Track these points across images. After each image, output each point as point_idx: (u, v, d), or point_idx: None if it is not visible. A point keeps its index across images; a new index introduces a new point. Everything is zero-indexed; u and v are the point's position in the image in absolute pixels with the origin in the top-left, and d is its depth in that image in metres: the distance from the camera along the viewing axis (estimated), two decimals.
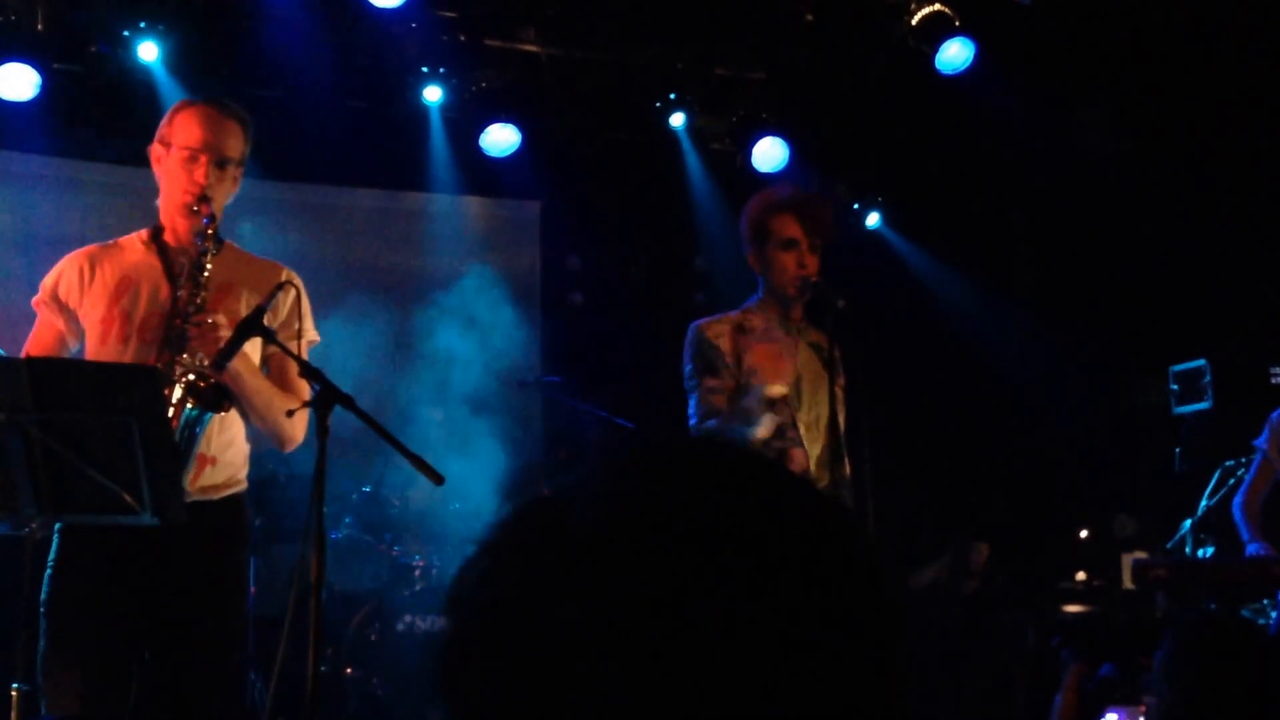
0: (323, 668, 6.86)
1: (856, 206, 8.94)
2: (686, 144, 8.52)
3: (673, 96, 8.11)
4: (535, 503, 1.04)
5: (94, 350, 3.89)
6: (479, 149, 8.22)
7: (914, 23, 7.72)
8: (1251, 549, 5.73)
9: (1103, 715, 5.39)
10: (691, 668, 0.92)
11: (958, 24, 7.62)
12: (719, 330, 4.69)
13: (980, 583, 8.17)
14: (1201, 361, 7.11)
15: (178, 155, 3.96)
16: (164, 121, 4.06)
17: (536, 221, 9.37)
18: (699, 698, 0.92)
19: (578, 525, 0.99)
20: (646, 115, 8.36)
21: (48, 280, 4.02)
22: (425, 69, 7.70)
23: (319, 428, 3.60)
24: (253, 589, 7.03)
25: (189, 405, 3.66)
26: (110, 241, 4.11)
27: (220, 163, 3.97)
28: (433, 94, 7.80)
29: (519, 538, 1.03)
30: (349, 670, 7.00)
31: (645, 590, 0.94)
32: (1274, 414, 5.83)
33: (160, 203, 4.07)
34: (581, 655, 0.93)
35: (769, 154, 8.32)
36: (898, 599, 1.03)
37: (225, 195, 4.02)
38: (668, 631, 0.93)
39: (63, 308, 3.97)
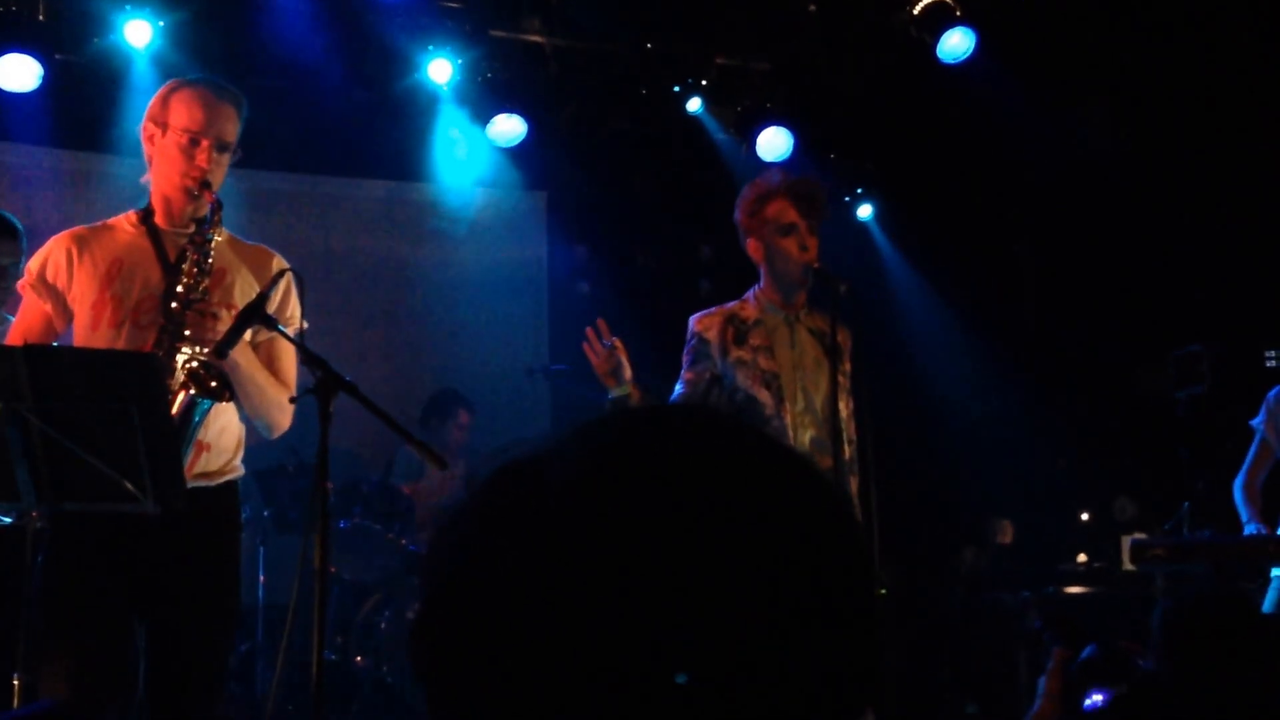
0: (333, 656, 6.97)
1: (848, 200, 8.97)
2: (691, 133, 8.55)
3: (676, 90, 8.14)
4: (507, 468, 1.04)
5: (84, 335, 3.84)
6: (485, 140, 8.26)
7: (915, 12, 7.76)
8: (1250, 529, 5.78)
9: (1088, 696, 5.43)
10: (667, 627, 0.93)
11: (959, 14, 7.66)
12: (709, 323, 4.74)
13: (992, 561, 8.23)
14: (1198, 346, 7.13)
15: (176, 138, 3.90)
16: (157, 100, 3.98)
17: (543, 211, 9.41)
18: (675, 657, 0.92)
19: (551, 488, 0.99)
20: (652, 105, 8.40)
21: (33, 263, 3.95)
22: (445, 55, 7.70)
23: (321, 415, 3.58)
24: (262, 578, 7.19)
25: (190, 392, 3.64)
26: (98, 223, 4.03)
27: (220, 147, 3.93)
28: (441, 71, 7.80)
29: (493, 503, 1.03)
30: (359, 659, 7.06)
31: (619, 551, 0.94)
32: (1270, 395, 5.87)
33: (152, 183, 4.00)
34: (557, 615, 0.94)
35: (773, 144, 8.36)
36: (870, 553, 1.04)
37: (221, 179, 3.96)
38: (642, 592, 0.93)
39: (51, 290, 3.89)
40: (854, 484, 4.67)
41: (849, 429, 4.72)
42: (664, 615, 0.93)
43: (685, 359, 4.73)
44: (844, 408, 4.71)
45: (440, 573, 1.02)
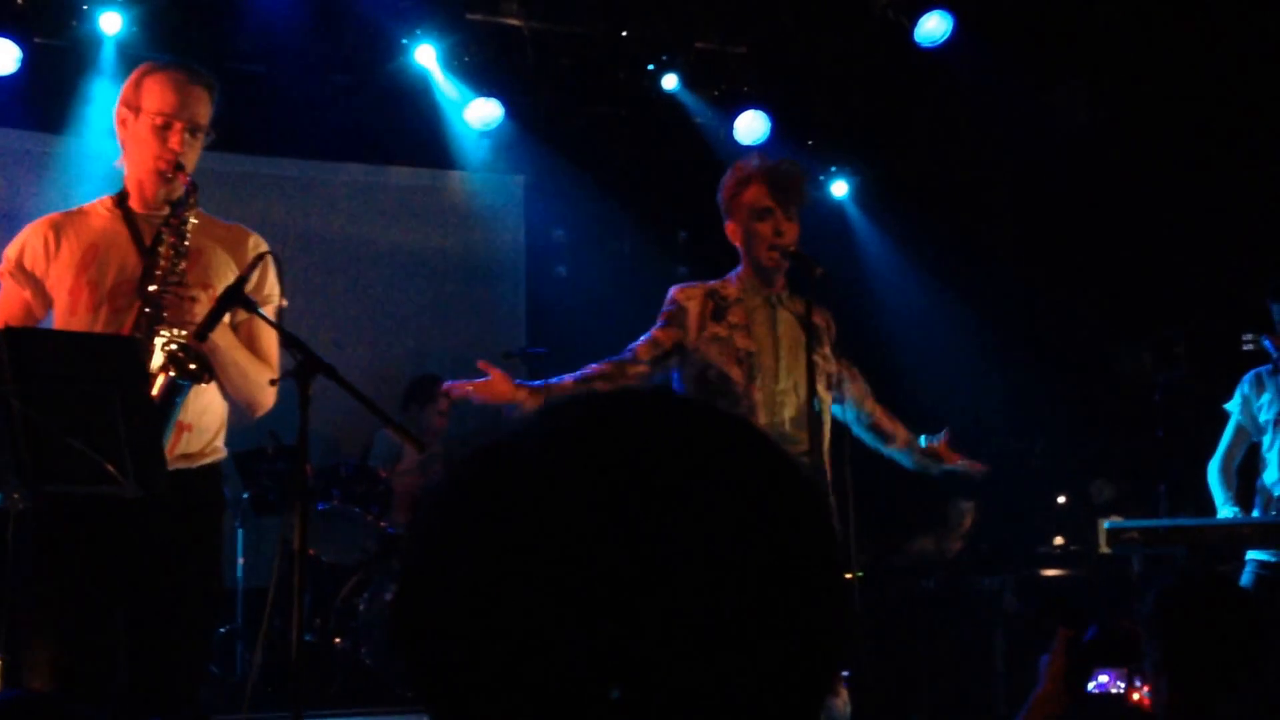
0: (312, 638, 6.98)
1: (822, 178, 9.00)
2: (669, 117, 8.55)
3: (651, 68, 8.14)
4: (481, 451, 1.05)
5: (63, 321, 3.84)
6: (462, 123, 8.26)
7: None
8: (1225, 512, 5.82)
9: (1094, 676, 5.49)
10: (636, 605, 0.94)
11: None
12: (690, 294, 4.73)
13: (964, 544, 8.25)
14: (1176, 329, 7.18)
15: (149, 122, 3.89)
16: (129, 84, 3.97)
17: (520, 195, 9.40)
18: (645, 635, 0.94)
19: (521, 471, 1.01)
20: (630, 89, 8.40)
21: (10, 250, 3.94)
22: (423, 39, 7.70)
23: (300, 398, 3.58)
24: (241, 560, 7.19)
25: (170, 374, 3.64)
26: (73, 209, 4.03)
27: (193, 130, 3.92)
28: (426, 54, 7.80)
29: (467, 486, 1.04)
30: (337, 640, 7.06)
31: (587, 530, 0.96)
32: (1245, 378, 5.91)
33: (126, 168, 3.99)
34: (529, 593, 0.95)
35: (751, 127, 8.39)
36: (835, 531, 1.06)
37: (195, 161, 3.95)
38: (610, 569, 0.94)
39: (29, 277, 3.90)
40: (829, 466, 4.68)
41: (827, 410, 4.73)
42: (633, 593, 0.94)
43: (658, 321, 4.71)
44: (823, 390, 4.71)
45: (418, 553, 1.04)
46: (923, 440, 4.90)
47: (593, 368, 4.58)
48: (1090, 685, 5.55)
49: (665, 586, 0.95)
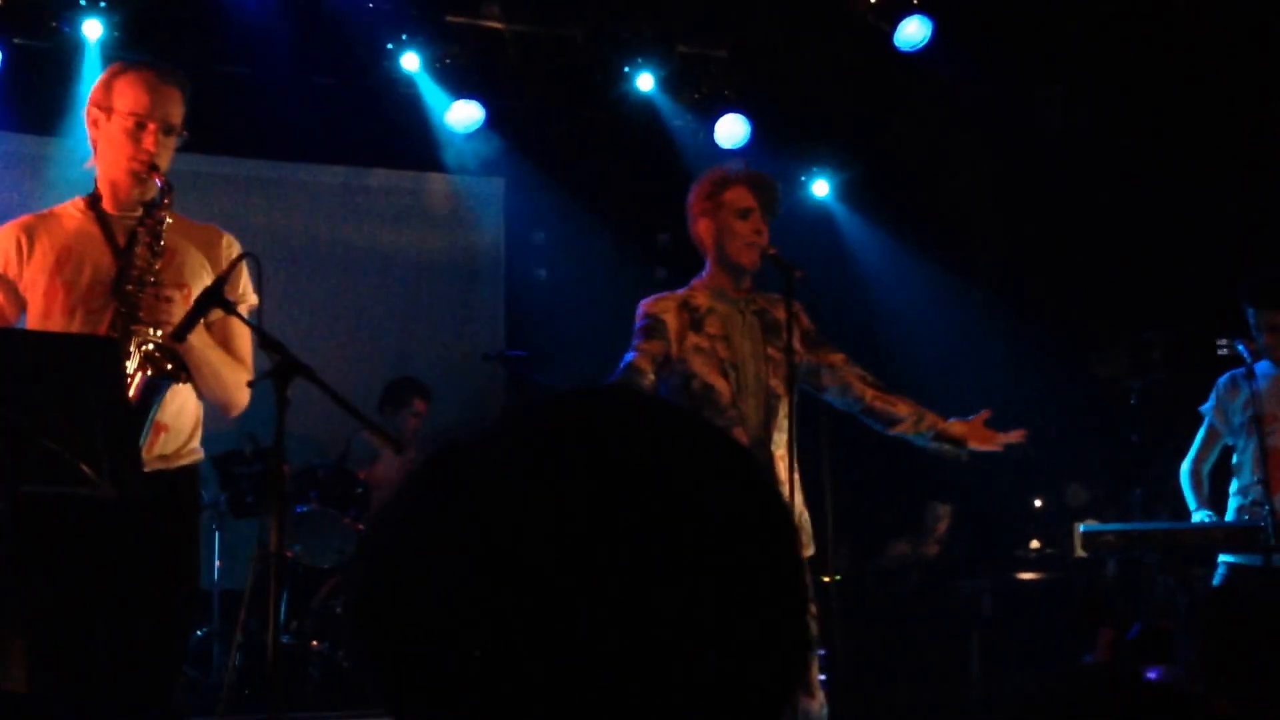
0: (290, 640, 6.97)
1: (804, 179, 9.02)
2: (649, 121, 8.56)
3: (632, 71, 8.15)
4: (446, 450, 1.06)
5: (37, 322, 3.83)
6: (443, 125, 8.25)
7: (873, 1, 7.81)
8: (1198, 516, 5.83)
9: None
10: (597, 603, 0.95)
11: (916, 2, 7.70)
12: (664, 306, 4.71)
13: (941, 547, 8.28)
14: (1152, 334, 7.22)
15: (122, 122, 3.88)
16: (100, 85, 3.96)
17: (500, 197, 9.39)
18: (601, 635, 0.95)
19: (485, 469, 1.02)
20: (611, 92, 8.40)
21: None
22: (404, 40, 7.70)
23: (278, 399, 3.58)
24: (218, 562, 7.18)
25: (147, 374, 3.63)
26: (45, 211, 4.01)
27: (167, 129, 3.91)
28: (410, 60, 7.81)
29: (432, 484, 1.05)
30: (315, 643, 7.06)
31: (549, 529, 0.96)
32: (1219, 381, 5.92)
33: (98, 168, 3.98)
34: (491, 592, 0.96)
35: (731, 131, 8.41)
36: (793, 531, 1.07)
37: (168, 160, 3.94)
38: (571, 567, 0.95)
39: (2, 281, 3.88)
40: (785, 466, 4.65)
41: (791, 409, 4.69)
42: (593, 590, 0.95)
43: (637, 337, 4.69)
44: (783, 387, 4.68)
45: (381, 552, 1.04)
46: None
47: None
48: None
49: (626, 584, 0.95)
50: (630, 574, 0.96)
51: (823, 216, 9.15)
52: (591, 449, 1.01)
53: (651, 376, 4.58)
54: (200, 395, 3.96)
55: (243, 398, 3.98)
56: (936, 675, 7.54)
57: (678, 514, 0.98)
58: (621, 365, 4.61)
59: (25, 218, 3.99)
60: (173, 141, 3.96)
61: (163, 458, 3.84)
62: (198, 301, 3.68)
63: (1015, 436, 4.79)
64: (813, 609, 4.63)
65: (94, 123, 3.96)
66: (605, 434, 1.03)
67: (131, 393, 3.60)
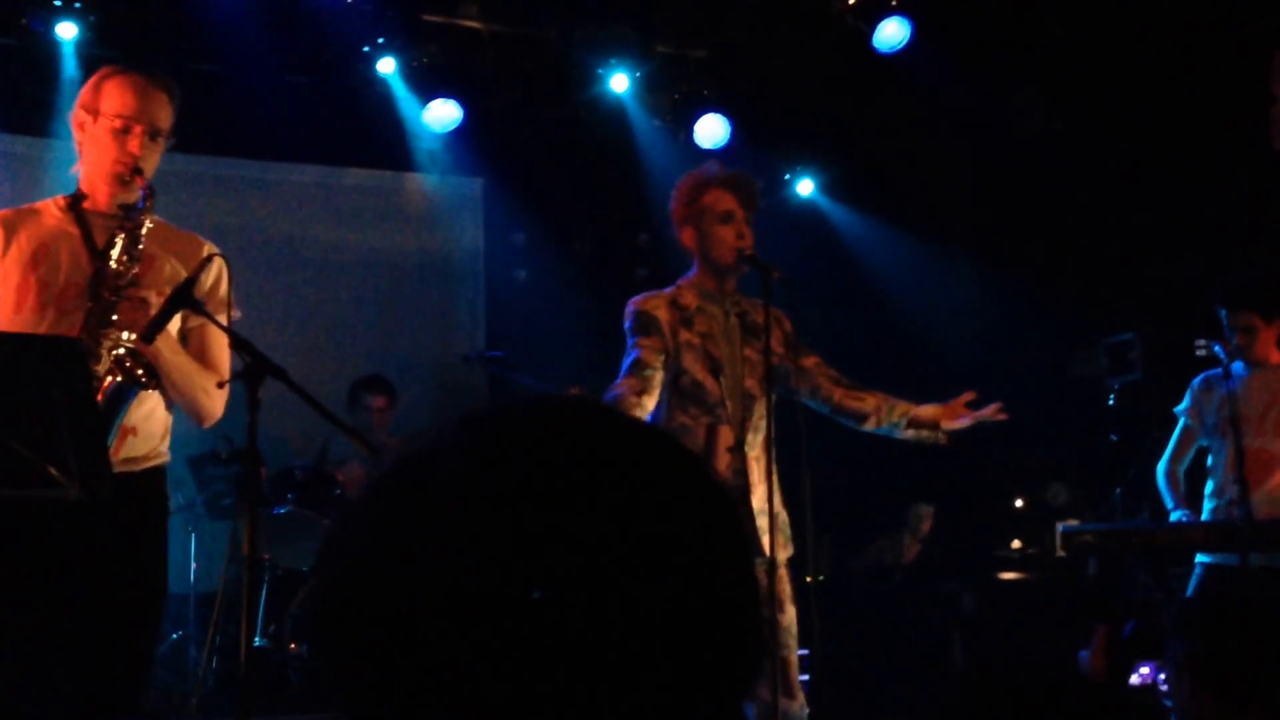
0: (266, 643, 6.93)
1: (787, 177, 9.01)
2: (629, 121, 8.55)
3: (610, 71, 8.13)
4: (404, 459, 1.07)
5: (8, 319, 3.79)
6: (421, 125, 8.23)
7: (851, 2, 7.81)
8: (1175, 516, 5.84)
9: (1136, 669, 5.60)
10: (553, 609, 0.96)
11: (894, 3, 7.70)
12: (655, 303, 4.74)
13: (922, 547, 8.29)
14: (1130, 335, 7.23)
15: (108, 125, 3.87)
16: (88, 87, 3.95)
17: (479, 198, 9.38)
18: (559, 644, 0.96)
19: (442, 478, 1.03)
20: (589, 92, 8.39)
21: None
22: (381, 40, 7.68)
23: (249, 401, 3.55)
24: (194, 565, 7.14)
25: (117, 379, 3.60)
26: (25, 206, 3.99)
27: (153, 134, 3.90)
28: (386, 65, 7.79)
29: (390, 493, 1.06)
30: (292, 646, 7.02)
31: (505, 536, 0.98)
32: (1195, 382, 5.93)
33: (82, 170, 3.97)
34: (449, 599, 0.97)
35: (711, 131, 8.40)
36: (746, 541, 1.08)
37: (154, 166, 3.93)
38: (527, 574, 0.96)
39: None
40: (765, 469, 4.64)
41: (768, 409, 4.70)
42: (550, 596, 0.96)
43: (632, 335, 4.69)
44: (759, 388, 4.69)
45: (340, 563, 1.05)
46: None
47: (621, 390, 4.53)
48: (1133, 678, 5.63)
49: (579, 590, 0.97)
50: (582, 578, 0.97)
51: (800, 213, 9.14)
52: (539, 458, 1.03)
53: (660, 370, 4.59)
54: (168, 402, 3.93)
55: (215, 406, 3.96)
56: (918, 675, 7.54)
57: (626, 516, 1.00)
58: (627, 362, 4.63)
59: (3, 211, 3.98)
60: (159, 147, 3.95)
61: (129, 460, 3.81)
62: (168, 301, 3.65)
63: (990, 412, 4.77)
64: (792, 608, 4.66)
65: (80, 125, 3.95)
66: (553, 443, 1.05)
67: (100, 395, 3.57)
